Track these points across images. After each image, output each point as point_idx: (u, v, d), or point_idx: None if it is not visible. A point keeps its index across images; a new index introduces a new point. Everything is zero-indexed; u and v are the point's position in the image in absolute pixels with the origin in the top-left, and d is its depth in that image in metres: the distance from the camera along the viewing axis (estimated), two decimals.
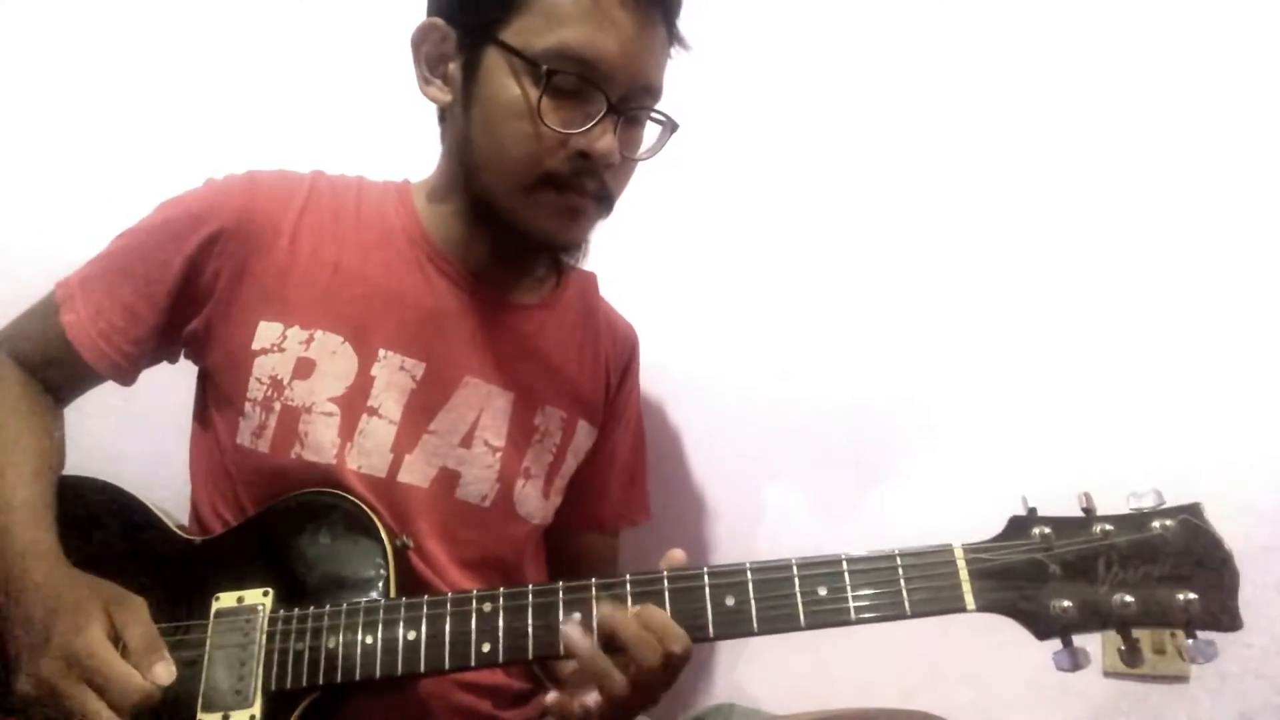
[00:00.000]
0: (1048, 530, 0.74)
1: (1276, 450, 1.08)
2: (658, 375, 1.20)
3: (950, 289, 1.21)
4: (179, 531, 0.92)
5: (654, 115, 0.94)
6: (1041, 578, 0.73)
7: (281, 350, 0.92)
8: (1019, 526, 0.75)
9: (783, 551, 0.77)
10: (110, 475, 0.95)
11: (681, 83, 0.94)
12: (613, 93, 0.86)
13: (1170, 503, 0.74)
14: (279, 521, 0.88)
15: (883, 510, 1.19)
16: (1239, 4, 1.14)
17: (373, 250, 0.96)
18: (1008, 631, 0.72)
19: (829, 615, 0.75)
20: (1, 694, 0.81)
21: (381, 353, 0.93)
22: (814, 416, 1.23)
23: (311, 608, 0.82)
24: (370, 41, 1.26)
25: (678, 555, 0.80)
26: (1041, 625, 0.72)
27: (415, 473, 0.94)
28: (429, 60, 0.93)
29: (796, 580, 0.76)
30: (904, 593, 0.74)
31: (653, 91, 0.92)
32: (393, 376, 0.93)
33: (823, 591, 0.75)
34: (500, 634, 0.79)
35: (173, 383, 1.00)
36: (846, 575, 0.75)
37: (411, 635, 0.80)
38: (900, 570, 0.75)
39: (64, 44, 1.42)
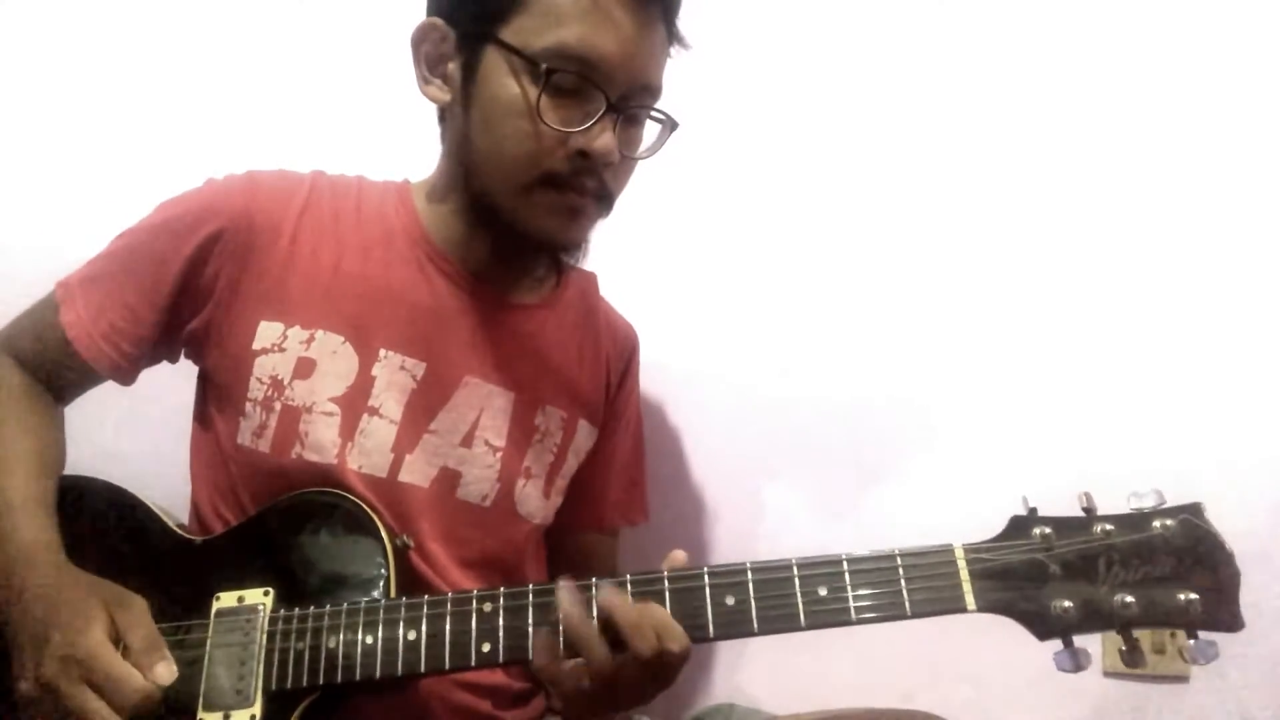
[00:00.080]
0: (1048, 530, 0.74)
1: (1276, 450, 1.08)
2: (658, 375, 1.20)
3: (950, 289, 1.21)
4: (179, 531, 0.92)
5: (653, 114, 0.94)
6: (1042, 578, 0.73)
7: (282, 350, 0.92)
8: (1019, 526, 0.75)
9: (783, 551, 0.77)
10: (110, 475, 0.95)
11: (681, 82, 0.94)
12: (612, 91, 0.86)
13: (1171, 502, 0.73)
14: (279, 521, 0.88)
15: (883, 510, 1.19)
16: (1239, 4, 1.14)
17: (373, 250, 0.96)
18: (1008, 631, 0.72)
19: (829, 615, 0.75)
20: (3, 694, 0.81)
21: (382, 352, 0.93)
22: (814, 416, 1.23)
23: (312, 607, 0.82)
24: (370, 41, 1.26)
25: (679, 556, 0.80)
26: (1042, 626, 0.72)
27: (416, 472, 0.94)
28: (428, 60, 0.93)
29: (797, 580, 0.76)
30: (904, 593, 0.74)
31: (652, 90, 0.91)
32: (393, 376, 0.93)
33: (823, 591, 0.75)
34: (500, 634, 0.78)
35: (173, 383, 1.00)
36: (847, 575, 0.75)
37: (411, 635, 0.80)
38: (901, 570, 0.74)
39: (64, 44, 1.42)
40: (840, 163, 1.25)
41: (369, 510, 0.88)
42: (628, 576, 0.78)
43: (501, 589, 0.80)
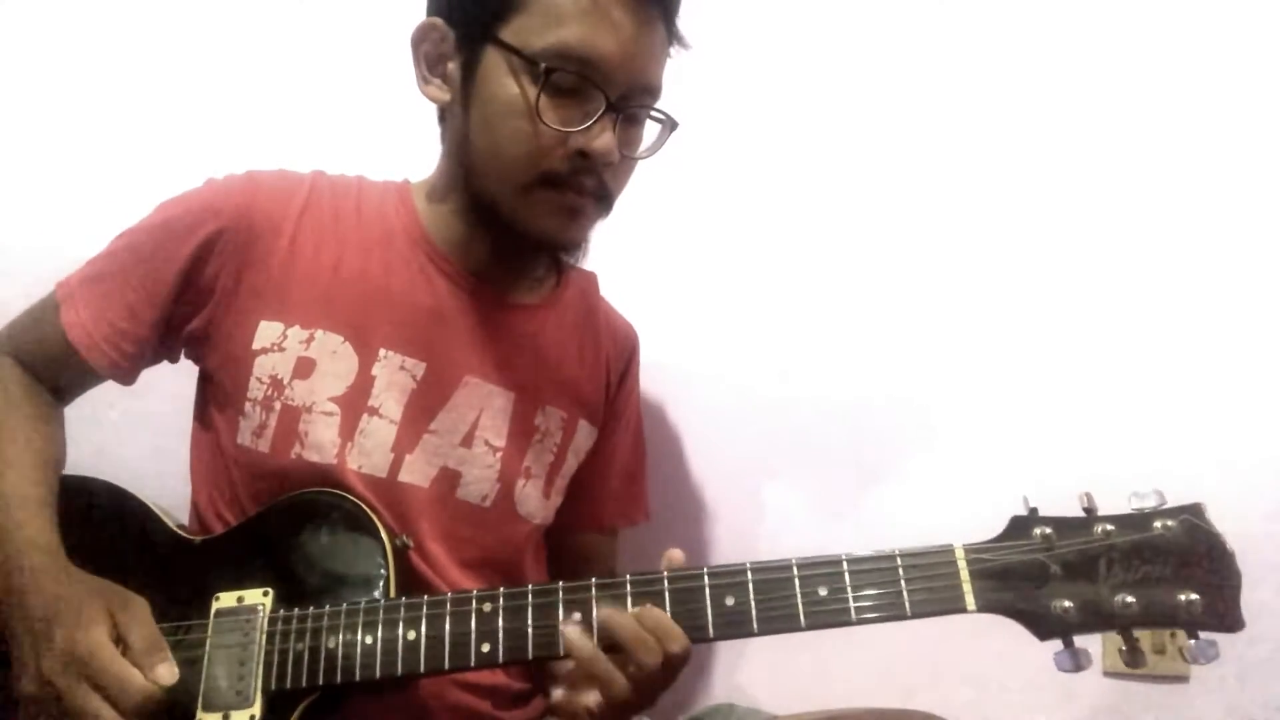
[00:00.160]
0: (1049, 530, 0.74)
1: (1277, 450, 1.08)
2: (658, 375, 1.20)
3: (950, 289, 1.21)
4: (179, 531, 0.92)
5: (653, 114, 0.94)
6: (1043, 578, 0.73)
7: (282, 350, 0.92)
8: (1020, 526, 0.75)
9: (783, 551, 0.77)
10: (110, 475, 0.95)
11: (681, 82, 0.94)
12: (612, 91, 0.86)
13: (1172, 503, 0.73)
14: (279, 521, 0.88)
15: (883, 510, 1.19)
16: (1239, 4, 1.14)
17: (373, 250, 0.96)
18: (1008, 631, 0.72)
19: (829, 615, 0.75)
20: (4, 694, 0.81)
21: (382, 352, 0.93)
22: (814, 416, 1.23)
23: (311, 608, 0.82)
24: (370, 41, 1.26)
25: (677, 555, 0.80)
26: (1042, 626, 0.72)
27: (416, 472, 0.94)
28: (428, 60, 0.93)
29: (797, 580, 0.76)
30: (904, 593, 0.74)
31: (652, 90, 0.91)
32: (393, 376, 0.93)
33: (823, 592, 0.75)
34: (500, 634, 0.78)
35: (173, 383, 1.00)
36: (847, 575, 0.75)
37: (411, 635, 0.80)
38: (901, 570, 0.74)
39: (64, 44, 1.42)
40: (840, 163, 1.25)
41: (369, 510, 0.88)
42: (628, 577, 0.78)
43: (501, 589, 0.80)
